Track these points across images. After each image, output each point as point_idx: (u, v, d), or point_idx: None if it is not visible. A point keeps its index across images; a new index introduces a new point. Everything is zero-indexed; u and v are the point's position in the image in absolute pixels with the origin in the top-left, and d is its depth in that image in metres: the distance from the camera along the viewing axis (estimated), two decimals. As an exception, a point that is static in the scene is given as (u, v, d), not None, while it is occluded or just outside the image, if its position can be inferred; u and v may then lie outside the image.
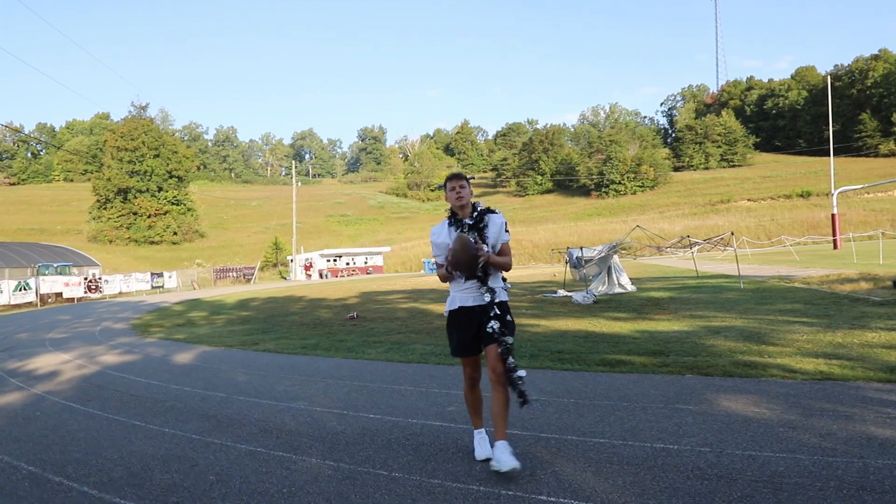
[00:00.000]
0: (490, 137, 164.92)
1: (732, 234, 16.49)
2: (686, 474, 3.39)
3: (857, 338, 7.04)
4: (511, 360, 3.58)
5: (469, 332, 3.70)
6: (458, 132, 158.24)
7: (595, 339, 8.29)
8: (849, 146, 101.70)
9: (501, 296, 3.74)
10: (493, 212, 3.81)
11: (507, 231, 3.81)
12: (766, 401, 4.76)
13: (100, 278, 35.83)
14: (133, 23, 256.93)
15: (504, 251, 3.79)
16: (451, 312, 3.78)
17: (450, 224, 3.79)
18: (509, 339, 3.61)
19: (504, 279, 3.87)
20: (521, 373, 3.57)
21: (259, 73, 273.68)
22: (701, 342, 7.50)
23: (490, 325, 3.62)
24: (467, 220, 3.74)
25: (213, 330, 13.02)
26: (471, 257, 3.51)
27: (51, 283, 32.12)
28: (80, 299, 33.10)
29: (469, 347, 3.74)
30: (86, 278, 34.75)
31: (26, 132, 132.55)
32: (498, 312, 3.65)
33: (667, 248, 20.98)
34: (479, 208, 3.81)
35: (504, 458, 3.43)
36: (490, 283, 3.67)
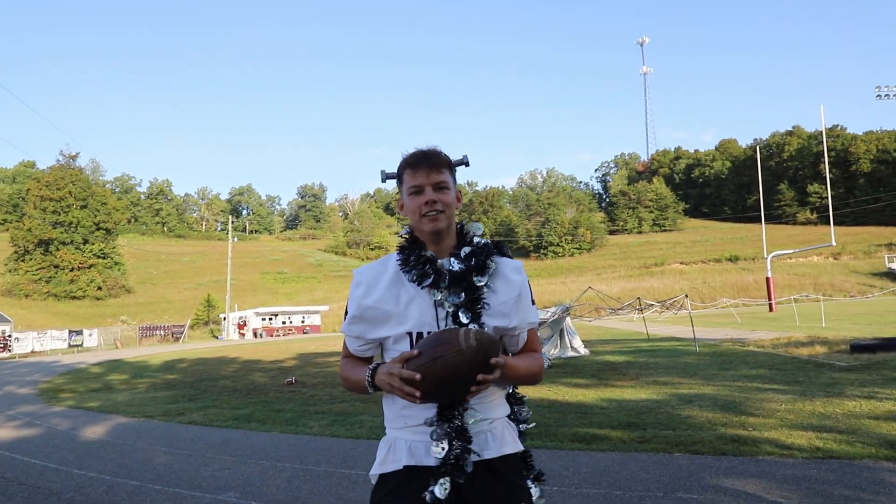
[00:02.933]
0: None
1: (686, 296, 16.46)
2: None
3: (839, 407, 6.66)
4: None
5: None
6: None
7: (561, 409, 7.63)
8: (769, 214, 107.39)
9: (506, 442, 1.67)
10: (501, 250, 1.74)
11: (532, 300, 1.77)
12: (776, 486, 4.19)
13: (9, 336, 32.95)
14: (66, 69, 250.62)
15: (531, 345, 1.79)
16: (387, 478, 1.64)
17: (402, 264, 1.68)
18: None
19: (520, 398, 1.84)
20: None
21: (197, 125, 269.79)
22: (676, 412, 6.97)
23: None
24: (447, 263, 1.66)
25: (133, 396, 11.66)
26: (473, 368, 1.48)
27: (-48, 341, 29.25)
28: (-16, 359, 30.19)
29: None
30: (-7, 336, 31.87)
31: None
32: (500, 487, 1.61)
33: (620, 310, 20.84)
34: (471, 235, 1.75)
35: None
36: (482, 412, 1.62)
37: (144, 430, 7.93)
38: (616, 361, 12.95)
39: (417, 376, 1.47)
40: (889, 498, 3.86)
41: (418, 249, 1.69)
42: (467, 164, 1.81)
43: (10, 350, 32.12)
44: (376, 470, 1.67)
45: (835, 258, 70.22)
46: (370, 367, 1.64)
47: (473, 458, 1.57)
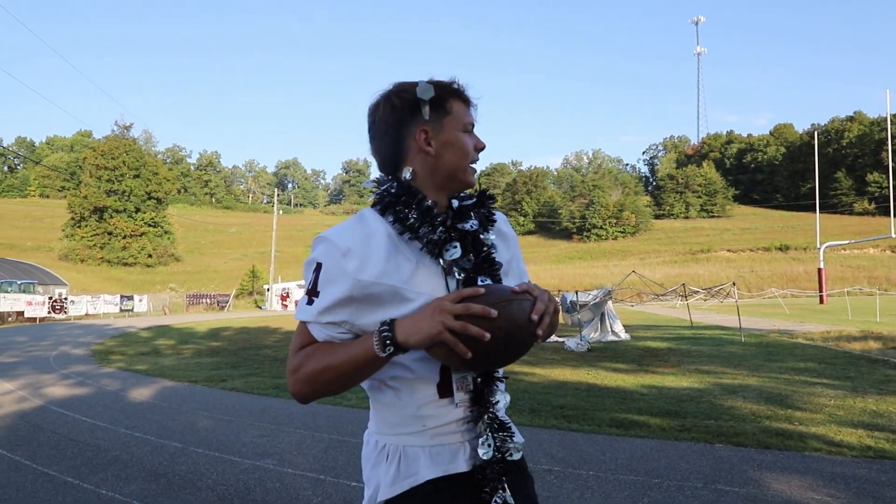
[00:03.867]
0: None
1: (734, 284, 15.99)
2: None
3: (892, 405, 6.38)
4: None
5: None
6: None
7: (599, 394, 7.54)
8: (824, 202, 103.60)
9: (514, 429, 1.34)
10: (491, 201, 1.40)
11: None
12: (822, 484, 4.04)
13: (65, 298, 34.32)
14: (123, 42, 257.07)
15: None
16: (402, 501, 1.24)
17: (402, 223, 1.26)
18: None
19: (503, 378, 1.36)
20: None
21: (247, 99, 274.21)
22: (718, 402, 6.79)
23: None
24: (467, 226, 1.31)
25: (179, 361, 12.02)
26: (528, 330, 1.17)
27: (12, 301, 30.59)
28: (42, 319, 31.55)
29: None
30: (50, 297, 33.24)
31: (4, 145, 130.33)
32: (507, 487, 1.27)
33: (663, 296, 20.45)
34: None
35: None
36: (496, 399, 1.30)
37: (188, 394, 8.16)
38: (657, 348, 12.72)
39: (494, 313, 1.11)
40: (945, 502, 3.68)
41: (421, 201, 1.27)
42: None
43: (66, 312, 33.49)
44: (386, 494, 1.24)
45: (892, 251, 67.38)
46: (383, 322, 1.17)
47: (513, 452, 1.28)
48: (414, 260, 1.25)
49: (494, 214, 1.38)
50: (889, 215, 34.46)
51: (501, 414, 1.30)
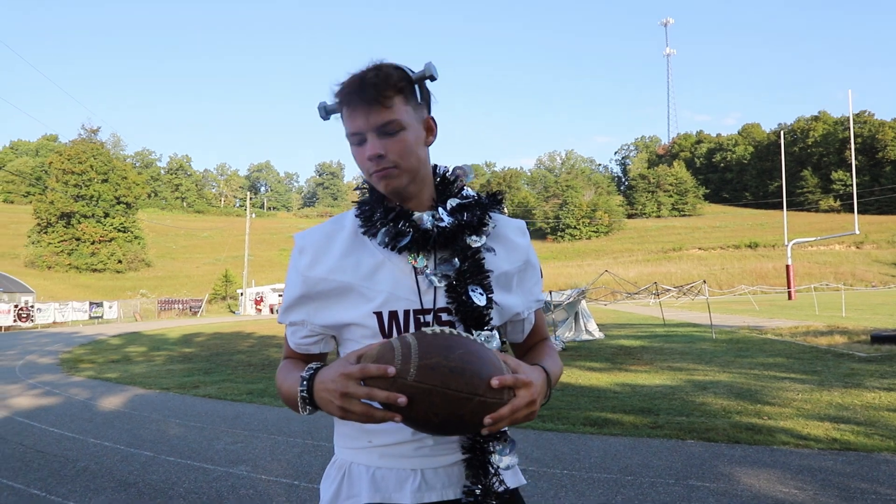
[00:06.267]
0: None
1: (705, 282, 16.26)
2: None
3: (857, 398, 6.55)
4: None
5: None
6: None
7: (573, 392, 7.60)
8: (791, 200, 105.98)
9: (510, 476, 1.20)
10: (498, 205, 1.29)
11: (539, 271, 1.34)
12: (790, 476, 4.12)
13: (32, 306, 33.52)
14: (90, 45, 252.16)
15: (542, 331, 1.37)
16: None
17: (365, 222, 1.20)
18: None
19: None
20: None
21: (217, 101, 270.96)
22: (690, 399, 6.90)
23: None
24: (428, 218, 1.18)
25: (150, 368, 11.82)
26: (461, 404, 0.94)
27: (-24, 311, 29.82)
28: (8, 328, 30.78)
29: None
30: (16, 305, 32.45)
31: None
32: None
33: (636, 294, 20.71)
34: (459, 184, 1.28)
35: None
36: (497, 461, 1.12)
37: (160, 401, 8.03)
38: (631, 346, 12.87)
39: (401, 399, 0.92)
40: (907, 492, 3.78)
41: (377, 198, 1.21)
42: (433, 77, 1.18)
43: (32, 320, 32.71)
44: None
45: (857, 247, 69.19)
46: (308, 368, 1.07)
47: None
48: (381, 257, 1.16)
49: (489, 218, 1.23)
50: (853, 212, 35.36)
51: (509, 480, 1.16)
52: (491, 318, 1.17)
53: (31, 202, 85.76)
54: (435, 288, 1.15)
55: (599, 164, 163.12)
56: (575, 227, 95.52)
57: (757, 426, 5.51)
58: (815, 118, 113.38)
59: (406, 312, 1.14)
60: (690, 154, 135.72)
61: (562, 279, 54.69)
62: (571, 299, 13.51)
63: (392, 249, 1.15)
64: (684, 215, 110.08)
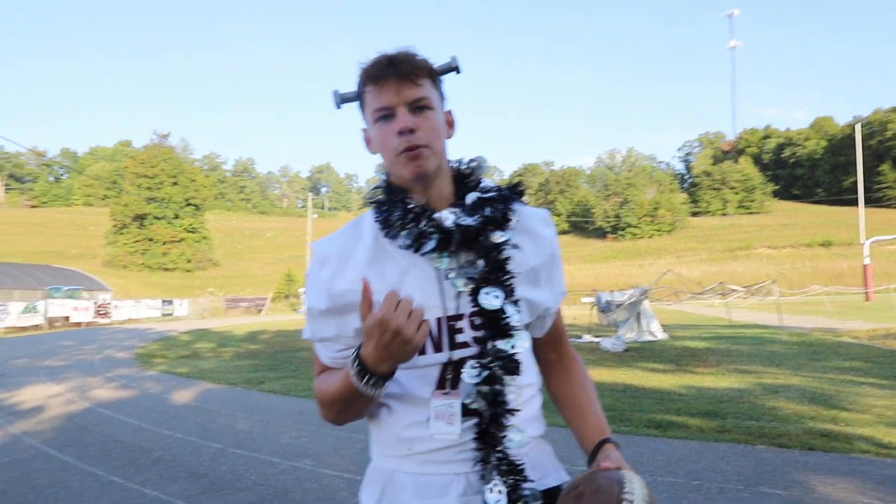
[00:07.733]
0: (506, 177, 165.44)
1: (774, 281, 15.59)
2: None
3: (944, 406, 6.16)
4: None
5: None
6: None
7: (636, 394, 7.44)
8: (868, 196, 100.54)
9: (547, 471, 1.20)
10: (518, 196, 1.21)
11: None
12: (870, 487, 3.91)
13: (109, 303, 35.31)
14: (161, 53, 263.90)
15: (561, 334, 1.34)
16: None
17: (384, 224, 1.14)
18: None
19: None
20: None
21: (280, 105, 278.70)
22: (759, 402, 6.64)
23: None
24: (449, 216, 1.11)
25: (218, 364, 12.26)
26: None
27: (59, 307, 31.59)
28: (88, 324, 32.51)
29: None
30: (95, 303, 34.25)
31: (49, 157, 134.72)
32: None
33: (701, 295, 20.10)
34: (475, 177, 1.20)
35: None
36: (511, 435, 1.09)
37: (228, 396, 8.32)
38: (696, 347, 12.49)
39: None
40: None
41: (403, 199, 1.13)
42: (458, 70, 1.18)
43: (110, 316, 34.46)
44: None
45: (942, 245, 64.88)
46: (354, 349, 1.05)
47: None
48: (405, 264, 1.11)
49: (512, 211, 1.16)
50: (938, 208, 33.24)
51: (514, 453, 1.10)
52: (509, 321, 1.10)
53: (108, 205, 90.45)
54: (458, 292, 1.11)
55: (661, 162, 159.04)
56: (636, 226, 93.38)
57: (833, 433, 5.26)
58: (894, 110, 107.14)
59: (438, 321, 1.10)
60: (758, 149, 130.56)
61: (623, 279, 53.58)
62: (633, 299, 13.24)
63: (415, 252, 1.10)
64: (752, 213, 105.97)
